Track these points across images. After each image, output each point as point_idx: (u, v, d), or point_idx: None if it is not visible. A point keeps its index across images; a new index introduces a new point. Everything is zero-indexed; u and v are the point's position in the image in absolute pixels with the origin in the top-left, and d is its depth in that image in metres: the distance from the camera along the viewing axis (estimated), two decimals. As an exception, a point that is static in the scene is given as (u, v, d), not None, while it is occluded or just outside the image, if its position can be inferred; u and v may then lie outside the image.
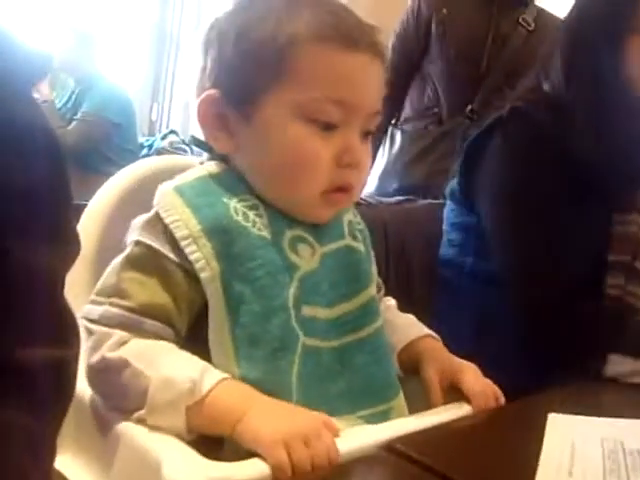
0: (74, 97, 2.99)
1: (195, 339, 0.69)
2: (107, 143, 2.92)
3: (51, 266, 0.52)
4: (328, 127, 0.71)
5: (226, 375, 0.64)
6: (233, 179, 0.73)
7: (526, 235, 1.04)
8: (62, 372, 0.53)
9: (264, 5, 0.73)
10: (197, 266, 0.67)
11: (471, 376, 0.79)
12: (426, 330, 0.86)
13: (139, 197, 0.85)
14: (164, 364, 0.64)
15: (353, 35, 0.70)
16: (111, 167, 2.67)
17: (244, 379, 0.66)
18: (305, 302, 0.71)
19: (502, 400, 0.78)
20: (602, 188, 1.02)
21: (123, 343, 0.65)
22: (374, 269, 0.85)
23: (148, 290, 0.67)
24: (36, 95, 2.71)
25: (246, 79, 0.71)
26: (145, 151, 3.54)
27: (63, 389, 0.53)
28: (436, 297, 1.19)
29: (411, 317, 0.89)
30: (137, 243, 0.69)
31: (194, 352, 0.67)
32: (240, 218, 0.70)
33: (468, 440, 0.72)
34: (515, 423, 0.76)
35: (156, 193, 0.71)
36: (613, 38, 1.02)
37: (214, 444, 0.64)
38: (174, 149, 3.55)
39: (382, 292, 0.90)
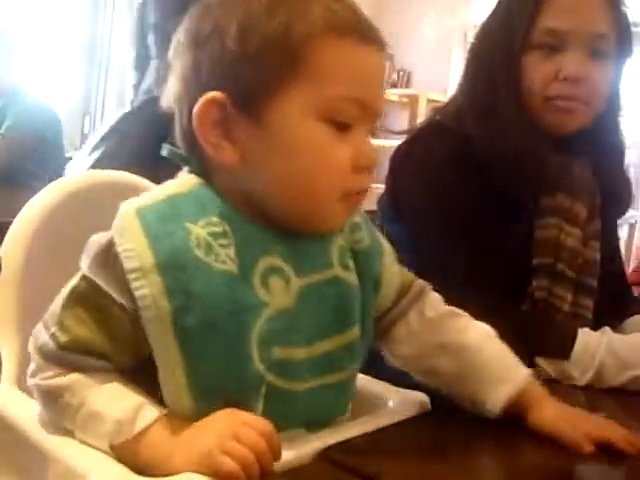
0: (-3, 111, 2.93)
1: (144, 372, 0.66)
2: (32, 157, 2.85)
3: None
4: (343, 127, 0.66)
5: (161, 412, 0.63)
6: (206, 197, 0.66)
7: (447, 248, 1.06)
8: None
9: None
10: (141, 304, 0.61)
11: (614, 429, 0.74)
12: (523, 371, 0.78)
13: (65, 214, 0.84)
14: (96, 398, 0.63)
15: (368, 29, 0.67)
16: (36, 181, 2.62)
17: (199, 412, 0.64)
18: (276, 343, 0.66)
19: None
20: (512, 194, 1.05)
21: (58, 375, 0.64)
22: (388, 288, 0.79)
23: (86, 328, 0.64)
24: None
25: (256, 78, 0.64)
26: (77, 164, 3.47)
27: None
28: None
29: (493, 339, 0.80)
30: (83, 277, 0.65)
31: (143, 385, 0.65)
32: (201, 252, 0.63)
33: (404, 446, 0.72)
34: (451, 427, 0.77)
35: (119, 211, 0.65)
36: (509, 52, 1.07)
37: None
38: (107, 162, 3.48)
39: (415, 293, 0.82)
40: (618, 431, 0.73)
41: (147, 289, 0.61)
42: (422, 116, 4.83)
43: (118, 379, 0.65)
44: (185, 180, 0.69)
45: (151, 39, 1.82)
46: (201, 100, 0.65)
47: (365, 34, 0.67)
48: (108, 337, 0.64)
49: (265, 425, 0.61)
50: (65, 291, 0.66)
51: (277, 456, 0.61)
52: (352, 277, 0.72)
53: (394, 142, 1.21)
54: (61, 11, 4.13)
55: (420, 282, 0.83)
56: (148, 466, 0.61)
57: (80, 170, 1.65)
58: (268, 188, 0.67)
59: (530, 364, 0.96)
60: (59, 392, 0.64)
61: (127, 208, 0.65)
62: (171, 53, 0.70)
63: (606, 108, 1.11)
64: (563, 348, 0.96)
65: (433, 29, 5.47)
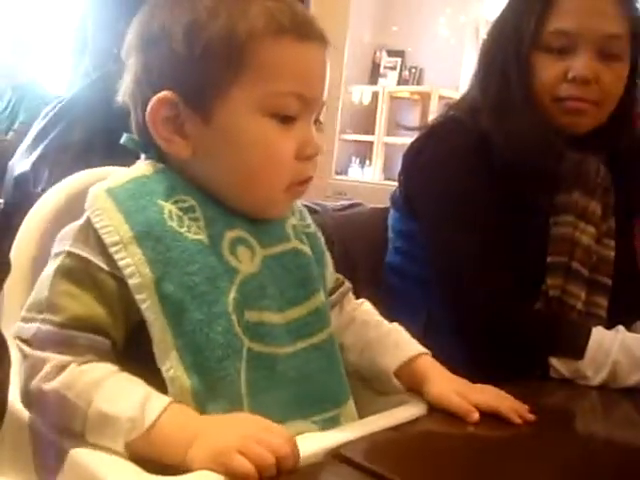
0: (11, 105, 2.94)
1: (136, 350, 0.67)
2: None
3: None
4: (287, 120, 0.70)
5: (167, 401, 0.63)
6: (170, 179, 0.71)
7: (461, 245, 1.06)
8: None
9: None
10: (126, 272, 0.65)
11: (502, 400, 0.78)
12: (419, 347, 0.84)
13: (75, 213, 0.84)
14: (102, 398, 0.62)
15: (307, 26, 0.71)
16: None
17: (195, 389, 0.65)
18: (248, 307, 0.69)
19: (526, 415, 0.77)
20: (526, 192, 1.04)
21: (60, 370, 0.63)
22: (329, 271, 0.85)
23: (80, 303, 0.65)
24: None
25: (203, 78, 0.69)
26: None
27: None
28: (382, 302, 1.19)
29: (396, 327, 0.87)
30: (68, 254, 0.67)
31: (136, 363, 0.66)
32: (174, 223, 0.68)
33: (415, 444, 0.73)
34: (463, 425, 0.76)
35: (88, 195, 0.69)
36: (519, 51, 1.07)
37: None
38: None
39: (345, 289, 0.88)
40: (506, 401, 0.78)
41: (129, 259, 0.65)
42: (434, 113, 4.82)
43: (118, 369, 0.65)
44: (146, 165, 0.73)
45: (89, 22, 1.74)
46: (153, 99, 0.69)
47: (303, 31, 0.70)
48: (102, 306, 0.66)
49: (287, 433, 0.62)
50: (47, 274, 0.67)
51: (296, 464, 0.61)
52: (308, 249, 0.78)
53: (406, 139, 1.21)
54: (75, 4, 4.14)
55: (348, 283, 0.89)
56: (162, 458, 0.61)
57: (24, 166, 1.58)
58: (220, 180, 0.72)
59: (543, 364, 0.95)
60: (63, 394, 0.63)
61: (96, 190, 0.69)
62: (123, 53, 0.74)
63: (622, 105, 1.10)
64: (577, 347, 0.95)
65: (445, 26, 5.46)
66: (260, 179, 0.71)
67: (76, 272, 0.66)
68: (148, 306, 0.65)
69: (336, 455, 0.66)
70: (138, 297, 0.65)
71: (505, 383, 0.83)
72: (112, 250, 0.65)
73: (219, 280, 0.68)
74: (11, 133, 2.82)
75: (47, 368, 0.63)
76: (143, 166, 0.73)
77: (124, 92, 0.74)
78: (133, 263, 0.65)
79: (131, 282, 0.65)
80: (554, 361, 0.95)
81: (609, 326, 1.00)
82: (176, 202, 0.69)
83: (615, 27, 1.05)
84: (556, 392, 0.95)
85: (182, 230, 0.68)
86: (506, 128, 1.06)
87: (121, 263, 0.65)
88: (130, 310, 0.66)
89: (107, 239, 0.66)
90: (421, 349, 0.83)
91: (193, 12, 0.69)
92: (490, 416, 0.76)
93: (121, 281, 0.66)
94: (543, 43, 1.06)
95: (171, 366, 0.65)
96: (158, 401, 0.63)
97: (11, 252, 0.80)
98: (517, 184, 1.04)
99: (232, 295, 0.68)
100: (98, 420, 0.62)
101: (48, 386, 0.63)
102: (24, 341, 0.65)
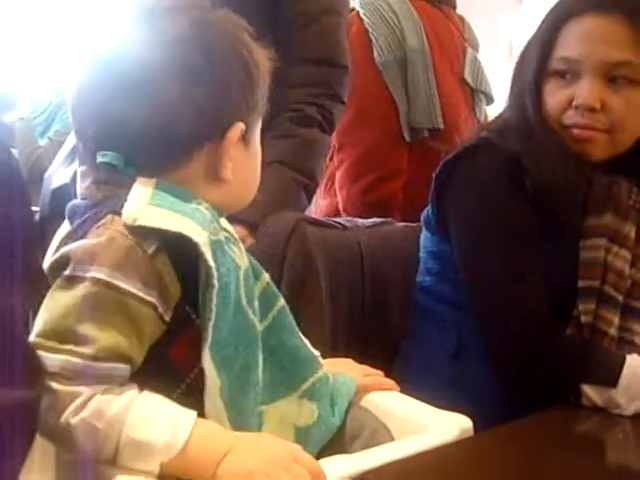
0: (49, 109, 2.97)
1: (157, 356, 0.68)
2: (80, 163, 2.90)
3: (25, 308, 0.53)
4: None
5: (194, 417, 0.64)
6: (178, 188, 0.71)
7: (491, 266, 1.05)
8: (30, 411, 0.54)
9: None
10: (217, 274, 0.67)
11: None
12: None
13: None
14: (132, 425, 0.62)
15: None
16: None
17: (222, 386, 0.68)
18: (250, 295, 0.74)
19: None
20: (555, 214, 1.03)
21: (87, 401, 0.62)
22: None
23: (111, 333, 0.63)
24: (13, 113, 2.69)
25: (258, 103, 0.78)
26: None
27: (29, 426, 0.54)
28: (413, 321, 1.19)
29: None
30: (97, 281, 0.63)
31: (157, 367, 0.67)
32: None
33: (440, 471, 0.72)
34: (490, 453, 0.76)
35: (126, 212, 0.66)
36: (534, 75, 1.08)
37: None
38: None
39: None
40: None
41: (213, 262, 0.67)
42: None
43: (138, 391, 0.65)
44: (147, 182, 0.70)
45: None
46: (235, 129, 0.75)
47: None
48: (132, 332, 0.64)
49: (317, 466, 0.63)
50: (67, 300, 0.63)
51: None
52: None
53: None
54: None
55: None
56: (192, 474, 0.62)
57: (63, 178, 1.55)
58: (235, 195, 0.79)
59: (576, 391, 0.93)
60: (92, 424, 0.61)
61: (135, 207, 0.67)
62: None
63: None
64: (610, 375, 0.93)
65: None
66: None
67: (105, 301, 0.63)
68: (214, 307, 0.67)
69: (361, 480, 0.65)
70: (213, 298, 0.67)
71: (537, 409, 0.82)
72: (203, 249, 0.66)
73: (235, 274, 0.71)
74: (46, 140, 2.84)
75: (75, 403, 0.61)
76: (144, 183, 0.70)
77: None
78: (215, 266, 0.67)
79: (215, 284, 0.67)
80: (587, 389, 0.93)
81: (644, 354, 0.98)
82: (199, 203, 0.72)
83: (623, 54, 1.02)
84: (588, 421, 0.93)
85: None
86: (531, 152, 1.05)
87: (212, 265, 0.66)
88: (157, 330, 0.67)
89: (195, 238, 0.65)
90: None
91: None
92: (520, 445, 0.75)
93: (150, 304, 0.65)
94: (550, 70, 1.06)
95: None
96: (186, 419, 0.63)
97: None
98: (546, 206, 1.03)
99: (242, 289, 0.72)
100: (131, 446, 0.62)
101: (76, 420, 0.61)
102: (52, 375, 0.61)
